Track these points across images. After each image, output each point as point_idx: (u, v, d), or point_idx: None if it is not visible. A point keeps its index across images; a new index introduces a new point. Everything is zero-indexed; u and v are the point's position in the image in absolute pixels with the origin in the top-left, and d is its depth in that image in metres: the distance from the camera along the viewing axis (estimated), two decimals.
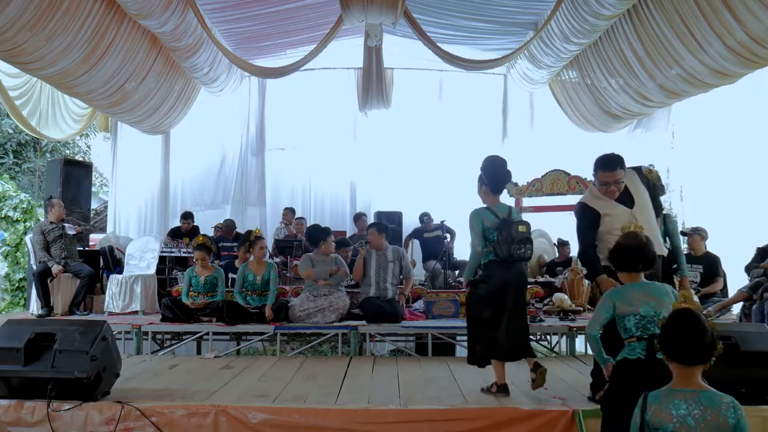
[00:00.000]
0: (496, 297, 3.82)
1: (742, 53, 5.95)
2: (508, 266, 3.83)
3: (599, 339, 2.93)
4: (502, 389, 3.87)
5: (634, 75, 7.71)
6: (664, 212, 4.38)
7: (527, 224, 3.85)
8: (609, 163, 3.67)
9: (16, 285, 8.84)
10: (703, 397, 2.06)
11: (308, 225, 8.34)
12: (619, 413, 2.62)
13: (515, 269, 3.86)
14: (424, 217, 8.68)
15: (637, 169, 3.96)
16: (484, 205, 3.96)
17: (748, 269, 6.04)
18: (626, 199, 3.72)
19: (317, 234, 6.20)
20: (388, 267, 5.99)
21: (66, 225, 6.86)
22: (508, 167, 3.94)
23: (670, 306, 2.57)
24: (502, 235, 3.76)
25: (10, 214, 8.84)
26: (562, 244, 8.23)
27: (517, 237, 3.74)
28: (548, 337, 6.46)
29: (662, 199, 4.54)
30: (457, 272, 8.17)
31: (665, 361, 2.18)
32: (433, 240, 8.48)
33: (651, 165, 4.61)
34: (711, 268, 6.38)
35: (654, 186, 4.00)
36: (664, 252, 3.86)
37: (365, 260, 5.99)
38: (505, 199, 8.38)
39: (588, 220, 3.70)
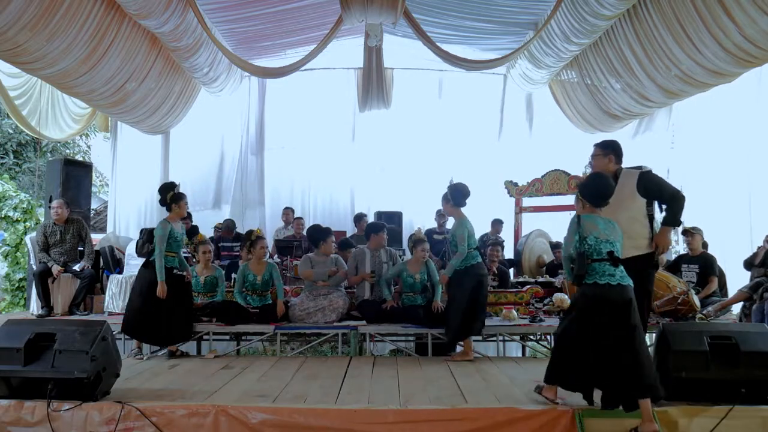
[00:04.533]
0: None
1: (737, 54, 5.96)
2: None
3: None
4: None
5: (633, 75, 7.70)
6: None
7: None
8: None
9: (16, 285, 8.83)
10: (610, 220, 3.57)
11: (308, 225, 8.33)
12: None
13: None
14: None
15: (646, 173, 4.05)
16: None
17: (749, 265, 6.05)
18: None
19: (317, 234, 6.19)
20: (382, 268, 6.00)
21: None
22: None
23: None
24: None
25: (10, 214, 8.82)
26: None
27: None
28: (548, 337, 6.45)
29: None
30: None
31: (580, 200, 3.62)
32: (441, 241, 8.46)
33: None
34: (707, 267, 6.32)
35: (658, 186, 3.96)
36: (632, 253, 3.80)
37: (358, 264, 6.06)
38: (505, 199, 8.57)
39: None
